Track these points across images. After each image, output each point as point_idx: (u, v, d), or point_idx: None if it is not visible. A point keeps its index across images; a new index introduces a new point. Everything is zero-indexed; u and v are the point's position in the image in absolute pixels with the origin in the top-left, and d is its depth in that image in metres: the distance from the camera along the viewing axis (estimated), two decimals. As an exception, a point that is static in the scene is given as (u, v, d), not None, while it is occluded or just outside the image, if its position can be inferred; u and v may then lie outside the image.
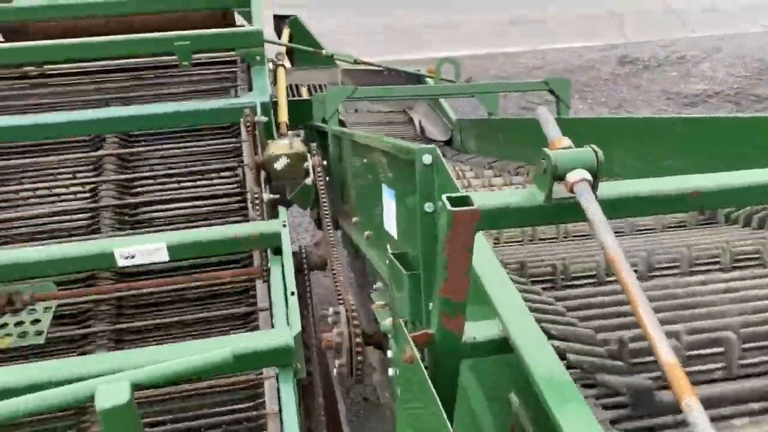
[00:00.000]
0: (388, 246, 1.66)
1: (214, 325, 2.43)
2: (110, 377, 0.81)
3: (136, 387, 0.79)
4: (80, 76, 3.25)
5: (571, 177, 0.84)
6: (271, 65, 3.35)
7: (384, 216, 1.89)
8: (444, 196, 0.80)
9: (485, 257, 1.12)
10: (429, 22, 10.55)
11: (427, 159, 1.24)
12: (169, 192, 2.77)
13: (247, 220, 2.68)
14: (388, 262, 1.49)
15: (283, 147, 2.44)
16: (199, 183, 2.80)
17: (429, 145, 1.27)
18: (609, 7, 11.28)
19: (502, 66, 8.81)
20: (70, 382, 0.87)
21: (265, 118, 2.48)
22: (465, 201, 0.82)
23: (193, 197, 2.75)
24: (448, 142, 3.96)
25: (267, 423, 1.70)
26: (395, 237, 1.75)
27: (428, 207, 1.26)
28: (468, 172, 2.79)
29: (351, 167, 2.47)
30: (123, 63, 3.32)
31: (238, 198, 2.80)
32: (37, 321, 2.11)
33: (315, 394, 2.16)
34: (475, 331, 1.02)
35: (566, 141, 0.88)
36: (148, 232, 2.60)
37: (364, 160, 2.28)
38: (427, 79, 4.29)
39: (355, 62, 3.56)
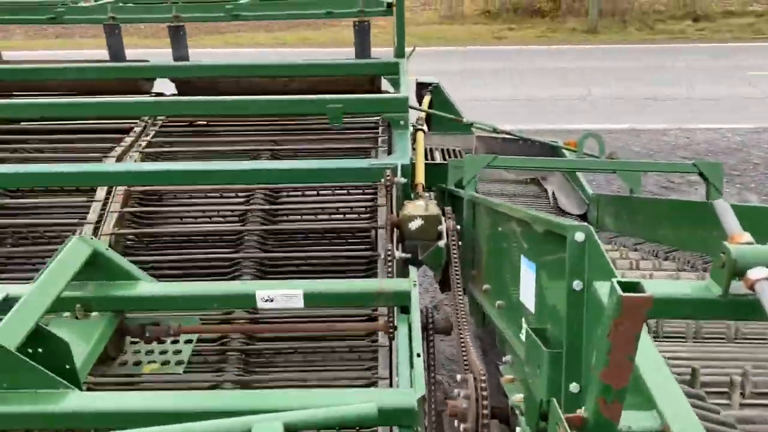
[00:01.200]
0: (523, 319, 1.63)
1: (334, 366, 2.50)
2: (265, 416, 0.85)
3: (289, 428, 0.83)
4: (238, 128, 3.55)
5: (753, 274, 0.80)
6: (411, 128, 3.48)
7: (520, 288, 1.87)
8: (614, 281, 0.79)
9: (644, 344, 1.07)
10: (566, 94, 10.51)
11: (579, 236, 1.23)
12: (305, 242, 2.92)
13: (376, 277, 2.76)
14: (524, 336, 1.46)
15: (419, 208, 2.50)
16: (333, 235, 2.93)
17: (582, 223, 1.26)
18: (763, 88, 10.68)
19: (645, 143, 8.55)
20: (226, 414, 0.93)
21: (404, 180, 2.57)
22: (635, 287, 0.80)
23: (327, 248, 2.88)
24: (583, 217, 3.87)
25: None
26: (532, 311, 1.72)
27: (577, 285, 1.23)
28: (612, 252, 2.70)
29: (485, 234, 2.47)
30: (274, 119, 3.60)
31: (369, 254, 2.90)
32: (179, 351, 2.25)
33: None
34: (631, 420, 0.98)
35: (747, 236, 0.84)
36: (281, 278, 2.76)
37: (500, 228, 2.28)
38: (563, 151, 4.25)
39: (494, 131, 3.61)
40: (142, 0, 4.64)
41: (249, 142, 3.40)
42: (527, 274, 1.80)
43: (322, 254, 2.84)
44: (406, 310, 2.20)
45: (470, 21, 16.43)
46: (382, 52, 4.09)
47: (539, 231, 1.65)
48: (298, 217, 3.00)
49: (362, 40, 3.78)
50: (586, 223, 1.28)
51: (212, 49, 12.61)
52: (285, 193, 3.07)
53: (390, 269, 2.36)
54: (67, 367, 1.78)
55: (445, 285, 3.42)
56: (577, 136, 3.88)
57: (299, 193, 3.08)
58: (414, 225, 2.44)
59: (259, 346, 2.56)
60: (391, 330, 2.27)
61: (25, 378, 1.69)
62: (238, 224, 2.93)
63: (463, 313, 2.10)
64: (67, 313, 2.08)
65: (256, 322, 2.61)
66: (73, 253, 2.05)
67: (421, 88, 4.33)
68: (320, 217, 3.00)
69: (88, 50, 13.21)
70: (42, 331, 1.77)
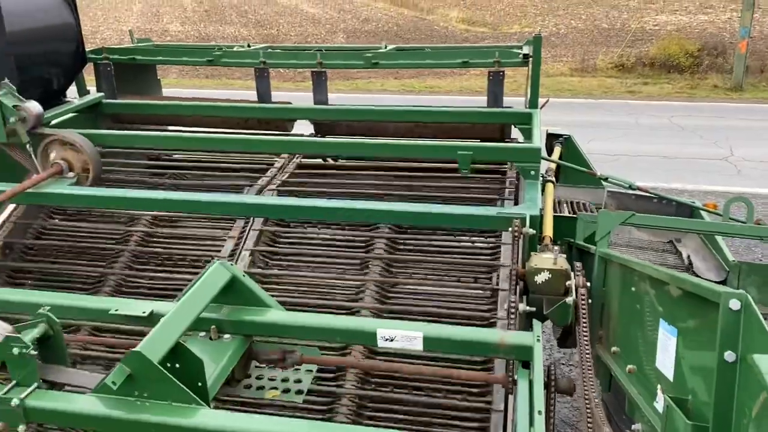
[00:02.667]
0: (659, 388, 1.53)
1: (446, 413, 2.47)
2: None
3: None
4: (368, 169, 3.67)
5: None
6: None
7: (657, 353, 1.76)
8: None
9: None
10: (705, 153, 9.93)
11: (735, 304, 1.15)
12: (425, 284, 2.94)
13: (493, 326, 2.72)
14: (661, 406, 1.37)
15: (547, 261, 2.44)
16: (453, 280, 2.93)
17: (738, 290, 1.17)
18: None
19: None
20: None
21: (533, 231, 2.53)
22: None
23: (446, 293, 2.89)
24: (721, 284, 3.59)
25: None
26: (670, 379, 1.62)
27: (729, 357, 1.14)
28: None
29: (617, 293, 2.37)
30: (403, 161, 3.69)
31: (489, 303, 2.86)
32: (299, 381, 2.31)
33: None
34: None
35: None
36: (398, 317, 2.79)
37: (633, 288, 2.17)
38: (702, 213, 4.00)
39: (630, 187, 3.47)
40: (290, 47, 4.99)
41: (378, 183, 3.51)
42: (666, 339, 1.70)
43: (441, 287, 2.85)
44: (527, 364, 2.14)
45: (602, 74, 16.07)
46: (509, 100, 4.10)
47: (683, 294, 1.56)
48: (421, 250, 3.05)
49: (495, 90, 3.82)
50: (742, 291, 1.20)
51: (343, 94, 13.20)
52: (407, 229, 3.14)
53: (512, 321, 2.32)
54: (200, 384, 1.89)
55: (564, 341, 3.30)
56: (716, 198, 3.65)
57: (420, 228, 3.13)
58: (540, 278, 2.39)
59: (374, 380, 2.60)
60: (510, 384, 2.21)
61: (163, 390, 1.81)
62: (363, 252, 3.02)
63: (590, 374, 2.00)
64: (202, 333, 2.21)
65: (372, 351, 2.65)
66: (213, 276, 2.19)
67: (552, 139, 4.28)
68: (441, 252, 3.03)
69: (232, 90, 14.29)
70: (181, 348, 1.89)
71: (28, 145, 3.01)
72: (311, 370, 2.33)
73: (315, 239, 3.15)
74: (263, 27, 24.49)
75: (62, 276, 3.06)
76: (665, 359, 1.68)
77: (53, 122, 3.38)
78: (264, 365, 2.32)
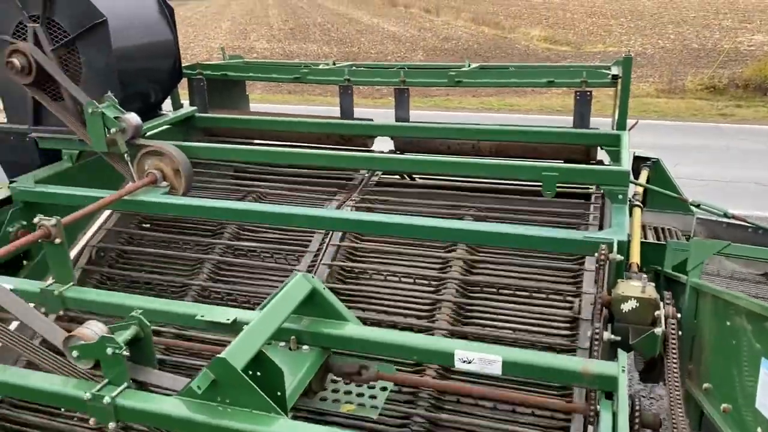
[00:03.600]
0: (759, 430, 1.43)
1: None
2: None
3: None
4: (447, 186, 3.67)
5: None
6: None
7: (758, 393, 1.65)
8: None
9: None
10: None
11: None
12: (502, 306, 2.90)
13: (573, 353, 2.64)
14: (764, 449, 1.28)
15: (634, 289, 2.35)
16: (531, 304, 2.87)
17: None
18: None
19: None
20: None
21: (620, 257, 2.44)
22: None
23: (524, 316, 2.83)
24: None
25: None
26: (772, 422, 1.52)
27: None
28: None
29: (710, 326, 2.25)
30: (483, 180, 3.67)
31: (569, 329, 2.78)
32: (374, 397, 2.31)
33: None
34: None
35: None
36: (472, 340, 2.76)
37: (729, 323, 2.06)
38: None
39: (725, 216, 3.30)
40: (373, 65, 5.07)
41: (456, 203, 3.49)
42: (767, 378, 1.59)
43: (519, 310, 2.80)
44: (609, 395, 2.06)
45: (691, 95, 15.43)
46: (592, 121, 3.99)
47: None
48: (498, 271, 3.00)
49: (582, 110, 3.74)
50: None
51: (420, 111, 13.25)
52: (485, 249, 3.11)
53: (596, 349, 2.24)
54: (279, 393, 1.92)
55: (647, 374, 3.16)
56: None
57: (498, 249, 3.09)
58: (627, 307, 2.30)
59: (447, 401, 2.57)
60: (591, 414, 2.14)
61: (244, 397, 1.85)
62: (439, 271, 3.01)
63: (679, 411, 1.91)
64: (282, 343, 2.25)
65: (446, 371, 2.62)
66: (295, 288, 2.24)
67: (639, 162, 4.13)
68: (520, 276, 2.98)
69: (313, 105, 14.63)
70: (263, 357, 1.94)
71: (126, 155, 3.18)
72: (386, 387, 2.33)
73: (392, 256, 3.16)
74: (344, 45, 25.01)
75: (148, 283, 3.20)
76: (766, 399, 1.57)
77: (149, 134, 3.55)
78: (340, 378, 2.34)
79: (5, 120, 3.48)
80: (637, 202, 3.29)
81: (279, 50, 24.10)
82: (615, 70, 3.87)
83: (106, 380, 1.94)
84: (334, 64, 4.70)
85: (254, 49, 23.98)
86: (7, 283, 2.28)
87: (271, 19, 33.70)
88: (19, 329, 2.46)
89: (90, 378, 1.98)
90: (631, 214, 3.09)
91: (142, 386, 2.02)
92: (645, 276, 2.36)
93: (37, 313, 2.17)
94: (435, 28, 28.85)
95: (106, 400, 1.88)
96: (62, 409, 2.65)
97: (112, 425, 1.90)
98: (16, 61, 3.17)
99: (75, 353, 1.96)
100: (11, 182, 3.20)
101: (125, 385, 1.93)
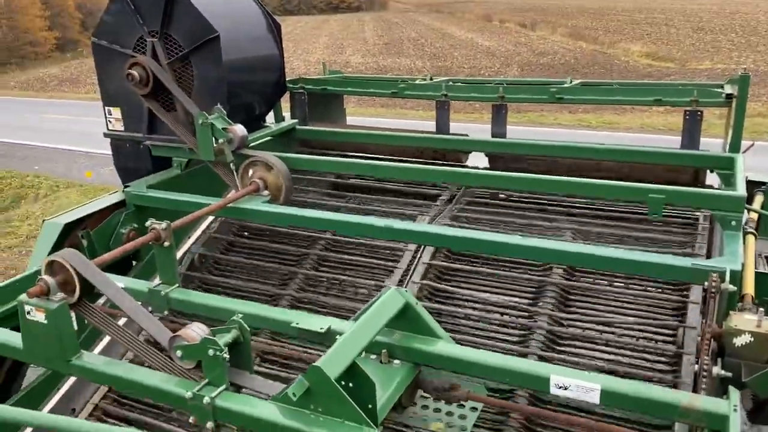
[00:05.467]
0: None
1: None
2: None
3: None
4: (542, 205, 3.58)
5: None
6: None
7: None
8: None
9: None
10: None
11: None
12: (597, 333, 2.78)
13: (677, 384, 2.50)
14: None
15: (749, 323, 2.19)
16: (630, 335, 2.74)
17: None
18: None
19: None
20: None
21: (733, 288, 2.29)
22: None
23: (622, 347, 2.71)
24: None
25: None
26: None
27: None
28: None
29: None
30: (579, 200, 3.55)
31: (670, 364, 2.64)
32: (464, 417, 2.28)
33: None
34: None
35: None
36: (571, 355, 2.66)
37: None
38: None
39: None
40: (471, 80, 5.05)
41: (551, 224, 3.40)
42: None
43: (616, 342, 2.68)
44: (718, 435, 1.93)
45: (809, 115, 14.39)
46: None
47: None
48: (595, 298, 2.89)
49: (692, 130, 3.55)
50: None
51: (514, 126, 13.02)
52: (581, 274, 3.01)
53: (704, 386, 2.10)
54: (370, 406, 1.92)
55: (756, 415, 2.93)
56: None
57: (595, 274, 2.99)
58: (740, 341, 2.15)
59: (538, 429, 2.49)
60: (697, 454, 2.01)
61: (337, 407, 1.86)
62: (533, 294, 2.94)
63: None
64: (373, 356, 2.26)
65: (537, 399, 2.55)
66: (389, 301, 2.24)
67: (752, 187, 3.87)
68: (618, 303, 2.86)
69: (406, 120, 14.74)
70: (356, 368, 1.95)
71: (231, 164, 3.31)
72: (476, 408, 2.29)
73: (483, 277, 3.11)
74: (437, 59, 25.11)
75: (242, 290, 3.31)
76: None
77: (252, 144, 3.69)
78: (430, 396, 2.32)
79: (123, 128, 3.71)
80: (751, 230, 3.08)
81: (373, 64, 24.51)
82: (728, 89, 3.66)
83: (206, 380, 2.01)
84: (431, 79, 4.71)
85: (349, 63, 24.53)
86: (117, 281, 2.42)
87: (366, 34, 34.36)
88: (125, 326, 2.60)
89: (191, 378, 2.06)
90: (744, 242, 2.89)
91: (238, 389, 2.08)
92: (761, 310, 2.20)
93: (145, 311, 2.29)
94: (530, 42, 28.44)
95: (206, 400, 1.95)
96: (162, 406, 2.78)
97: (210, 425, 1.97)
98: (136, 73, 3.39)
99: (179, 353, 2.05)
100: (125, 187, 3.40)
101: (224, 386, 2.00)
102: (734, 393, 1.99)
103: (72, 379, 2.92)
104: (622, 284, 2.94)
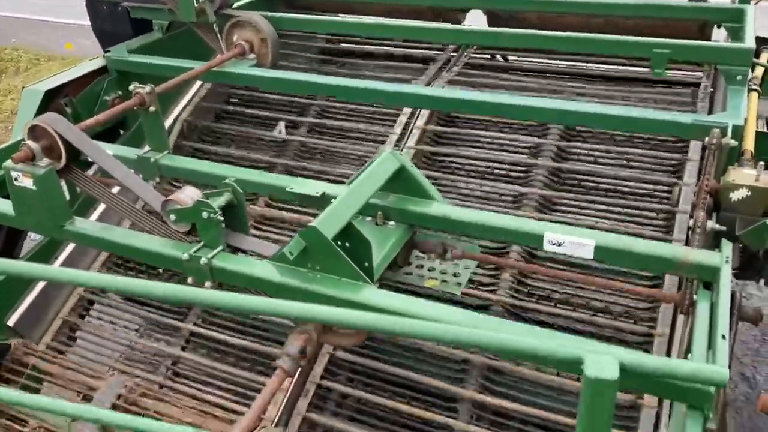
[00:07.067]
0: None
1: (603, 329, 2.38)
2: (599, 348, 0.81)
3: (624, 368, 0.78)
4: (543, 66, 3.45)
5: None
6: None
7: None
8: None
9: None
10: None
11: None
12: (595, 192, 2.78)
13: (668, 242, 2.52)
14: None
15: (747, 177, 2.18)
16: (627, 190, 2.74)
17: None
18: None
19: None
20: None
21: (734, 142, 2.25)
22: None
23: (619, 203, 2.71)
24: None
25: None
26: None
27: None
28: None
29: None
30: (581, 60, 3.42)
31: (665, 217, 2.65)
32: (458, 274, 2.32)
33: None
34: None
35: None
36: (562, 222, 2.68)
37: None
38: None
39: None
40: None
41: (555, 85, 3.30)
42: None
43: (612, 201, 2.69)
44: (708, 286, 1.97)
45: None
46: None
47: None
48: (591, 159, 2.86)
49: (698, -19, 3.34)
50: None
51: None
52: (579, 134, 2.95)
53: (697, 240, 2.12)
54: (366, 264, 1.94)
55: (744, 270, 3.01)
56: None
57: (592, 135, 2.93)
58: (737, 195, 2.14)
59: (530, 285, 2.55)
60: (687, 305, 2.06)
61: (334, 265, 1.88)
62: (528, 158, 2.91)
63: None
64: (369, 218, 2.26)
65: (531, 256, 2.59)
66: (383, 165, 2.20)
67: (760, 43, 3.72)
68: (615, 163, 2.83)
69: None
70: (352, 228, 1.95)
71: (214, 26, 3.14)
72: (470, 267, 2.32)
73: (479, 141, 3.06)
74: None
75: (235, 159, 3.25)
76: None
77: (236, 5, 3.49)
78: (425, 255, 2.35)
79: (99, -11, 3.49)
80: (756, 87, 3.00)
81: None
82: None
83: (202, 243, 2.02)
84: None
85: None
86: (106, 149, 2.36)
87: None
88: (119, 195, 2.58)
89: (187, 241, 2.06)
90: (748, 100, 2.82)
91: (235, 251, 2.09)
92: (762, 163, 2.17)
93: (137, 177, 2.25)
94: None
95: (203, 261, 1.96)
96: (160, 270, 2.82)
97: (208, 284, 2.00)
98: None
99: (173, 217, 2.03)
100: (106, 52, 3.25)
101: (220, 248, 2.00)
102: (727, 245, 2.01)
103: (69, 249, 2.94)
104: (621, 143, 2.88)
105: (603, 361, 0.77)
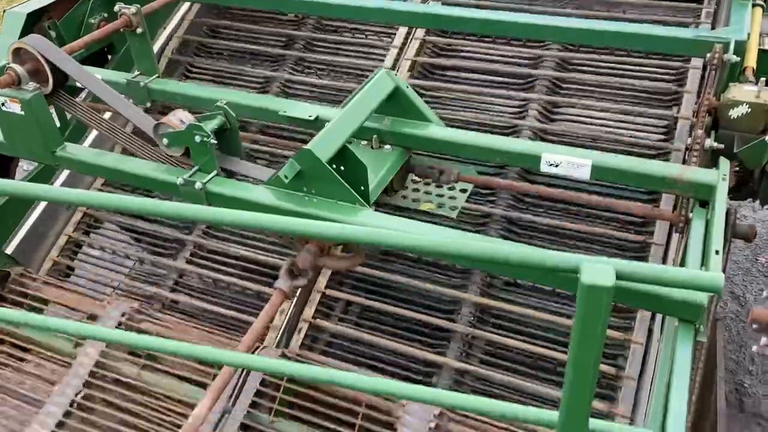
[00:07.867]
0: None
1: (603, 244, 2.41)
2: (597, 259, 0.81)
3: (620, 276, 0.78)
4: None
5: None
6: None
7: None
8: None
9: None
10: None
11: None
12: (593, 107, 2.73)
13: (666, 156, 2.50)
14: None
15: (748, 94, 2.15)
16: (626, 110, 2.69)
17: None
18: None
19: None
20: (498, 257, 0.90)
21: (736, 58, 2.20)
22: None
23: (616, 118, 2.66)
24: None
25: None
26: None
27: None
28: None
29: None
30: None
31: (663, 137, 2.62)
32: (454, 198, 2.31)
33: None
34: None
35: None
36: (559, 140, 2.65)
37: None
38: None
39: None
40: None
41: (554, 5, 3.19)
42: None
43: (611, 107, 2.64)
44: (703, 204, 1.97)
45: None
46: None
47: None
48: (593, 69, 2.80)
49: None
50: None
51: None
52: (578, 48, 2.88)
53: (695, 157, 2.10)
54: (362, 188, 1.93)
55: (738, 190, 3.01)
56: None
57: (593, 50, 2.86)
58: (736, 112, 2.12)
59: (527, 201, 2.55)
60: (681, 222, 2.07)
61: (329, 189, 1.87)
62: (529, 69, 2.84)
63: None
64: (364, 142, 2.23)
65: (528, 177, 2.57)
66: (377, 86, 2.15)
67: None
68: (615, 72, 2.77)
69: None
70: (347, 152, 1.92)
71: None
72: (466, 190, 2.31)
73: (479, 53, 2.98)
74: None
75: (231, 75, 3.16)
76: None
77: None
78: (421, 179, 2.34)
79: None
80: (760, 2, 2.90)
81: None
82: None
83: (196, 167, 2.00)
84: None
85: None
86: (95, 73, 2.30)
87: None
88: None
89: (182, 166, 2.04)
90: (752, 15, 2.74)
91: (230, 175, 2.07)
92: (763, 79, 2.13)
93: (128, 102, 2.20)
94: None
95: (198, 185, 1.95)
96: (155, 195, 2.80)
97: (204, 208, 1.99)
98: None
99: (165, 140, 2.00)
100: (89, -28, 3.11)
101: (215, 172, 1.98)
102: (724, 163, 2.00)
103: (63, 178, 2.91)
104: (622, 57, 2.81)
105: (599, 268, 0.77)
